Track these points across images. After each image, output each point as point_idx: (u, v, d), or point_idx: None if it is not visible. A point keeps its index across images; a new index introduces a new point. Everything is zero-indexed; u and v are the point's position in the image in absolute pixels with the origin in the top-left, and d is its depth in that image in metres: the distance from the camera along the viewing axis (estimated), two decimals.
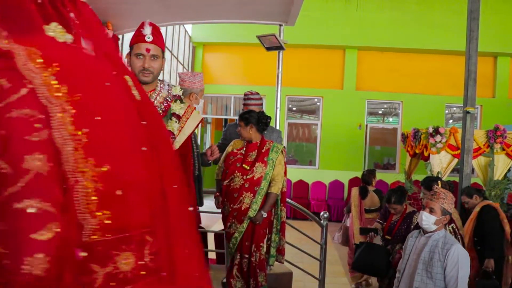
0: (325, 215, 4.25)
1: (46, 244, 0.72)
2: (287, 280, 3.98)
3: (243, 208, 3.11)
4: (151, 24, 2.11)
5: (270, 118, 3.31)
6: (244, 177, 3.13)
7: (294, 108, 10.96)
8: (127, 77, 0.94)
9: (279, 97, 4.67)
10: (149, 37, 2.08)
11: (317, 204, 9.34)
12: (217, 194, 3.32)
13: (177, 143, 2.23)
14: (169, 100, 2.21)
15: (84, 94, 0.81)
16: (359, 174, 6.09)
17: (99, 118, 0.82)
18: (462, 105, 5.04)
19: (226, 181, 3.20)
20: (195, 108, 2.38)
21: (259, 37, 4.48)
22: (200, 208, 3.53)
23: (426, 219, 2.64)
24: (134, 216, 0.84)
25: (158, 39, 2.13)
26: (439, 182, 3.68)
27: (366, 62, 10.28)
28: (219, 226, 4.25)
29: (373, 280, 4.90)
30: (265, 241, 3.26)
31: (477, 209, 3.88)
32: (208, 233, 4.56)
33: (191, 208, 1.06)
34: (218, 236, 4.37)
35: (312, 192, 10.00)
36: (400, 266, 2.85)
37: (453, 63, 9.65)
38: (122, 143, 0.85)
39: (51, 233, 0.73)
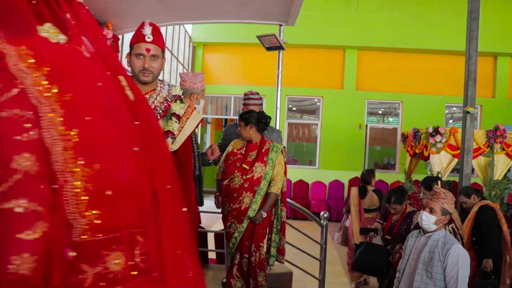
0: (325, 215, 4.26)
1: (32, 244, 0.72)
2: (287, 280, 3.98)
3: (242, 208, 3.11)
4: (151, 24, 2.11)
5: (270, 118, 3.31)
6: (244, 177, 3.13)
7: (294, 108, 10.96)
8: (121, 77, 0.94)
9: (279, 97, 4.67)
10: (149, 37, 2.08)
11: (317, 204, 9.35)
12: (217, 194, 3.32)
13: (177, 143, 2.23)
14: (169, 100, 2.21)
15: (75, 94, 0.82)
16: (359, 174, 6.08)
17: (90, 118, 0.82)
18: (462, 105, 5.04)
19: (226, 181, 3.20)
20: (195, 108, 2.38)
21: (259, 37, 4.48)
22: (200, 208, 3.53)
23: (426, 219, 2.64)
24: (125, 216, 0.84)
25: (158, 39, 2.13)
26: (439, 182, 3.69)
27: (366, 62, 10.28)
28: (219, 226, 4.25)
29: (372, 280, 4.91)
30: (265, 241, 3.26)
31: (475, 209, 3.89)
32: (208, 233, 4.56)
33: (185, 209, 1.05)
34: (218, 236, 4.37)
35: (312, 192, 10.00)
36: (400, 266, 2.85)
37: (453, 63, 9.65)
38: (112, 143, 0.85)
39: (38, 233, 0.73)
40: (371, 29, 9.70)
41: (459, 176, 5.08)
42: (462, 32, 5.30)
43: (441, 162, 5.95)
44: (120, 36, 4.92)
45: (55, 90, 0.80)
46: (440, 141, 5.90)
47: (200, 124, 2.48)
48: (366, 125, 10.46)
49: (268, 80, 8.96)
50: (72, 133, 0.79)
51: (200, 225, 3.80)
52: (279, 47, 4.48)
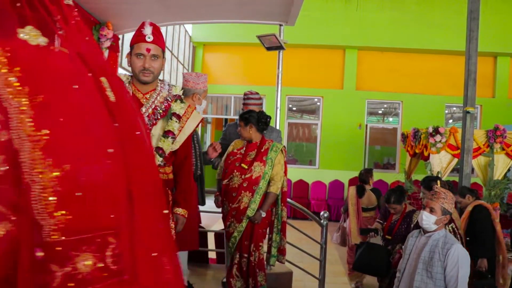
0: (325, 215, 4.26)
1: None
2: (287, 279, 3.98)
3: (241, 208, 3.12)
4: (151, 24, 2.12)
5: (270, 117, 3.32)
6: (243, 177, 3.13)
7: (294, 108, 10.97)
8: (102, 79, 0.94)
9: (279, 97, 4.67)
10: (149, 37, 2.09)
11: (317, 204, 9.35)
12: (217, 193, 3.33)
13: (177, 143, 2.23)
14: (170, 100, 2.21)
15: (47, 95, 0.82)
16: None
17: (62, 119, 0.82)
18: (462, 105, 5.04)
19: (225, 181, 3.21)
20: (195, 108, 2.39)
21: (259, 37, 4.49)
22: (201, 208, 3.54)
23: (427, 219, 2.64)
24: (96, 217, 0.84)
25: (159, 39, 2.13)
26: (438, 182, 3.70)
27: (366, 62, 10.28)
28: (219, 225, 4.25)
29: (372, 280, 4.91)
30: (264, 241, 3.26)
31: (469, 208, 3.89)
32: (208, 233, 4.57)
33: (166, 211, 1.05)
34: (218, 235, 4.38)
35: (312, 192, 10.00)
36: (401, 266, 2.85)
37: (453, 63, 9.65)
38: (84, 145, 0.85)
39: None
40: (371, 29, 9.70)
41: (459, 176, 5.08)
42: (462, 32, 5.30)
43: (441, 162, 5.95)
44: (120, 36, 4.93)
45: (26, 91, 0.80)
46: (440, 141, 5.91)
47: (200, 124, 2.48)
48: (366, 125, 10.47)
49: (268, 80, 8.96)
50: (41, 134, 0.79)
51: (200, 224, 3.81)
52: (279, 47, 4.49)
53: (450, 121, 10.76)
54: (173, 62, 8.85)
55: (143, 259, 0.92)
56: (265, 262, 3.26)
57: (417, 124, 7.51)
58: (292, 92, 10.22)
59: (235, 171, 3.17)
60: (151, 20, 2.16)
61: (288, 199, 3.99)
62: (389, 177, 9.92)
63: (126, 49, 2.44)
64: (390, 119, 10.99)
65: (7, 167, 0.76)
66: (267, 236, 3.35)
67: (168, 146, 2.16)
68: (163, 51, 2.20)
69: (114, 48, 4.59)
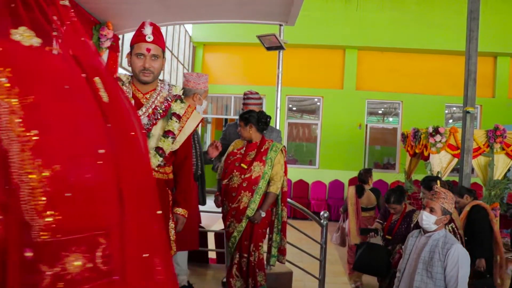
0: (325, 215, 4.26)
1: None
2: (287, 279, 3.98)
3: (241, 207, 3.12)
4: (151, 24, 2.12)
5: (270, 117, 3.32)
6: (242, 176, 3.13)
7: (294, 108, 10.97)
8: (96, 79, 0.94)
9: (279, 97, 4.67)
10: (149, 37, 2.09)
11: (317, 204, 9.35)
12: (217, 193, 3.33)
13: (178, 143, 2.23)
14: (170, 100, 2.21)
15: (38, 96, 0.82)
16: None
17: (53, 120, 0.82)
18: (462, 105, 5.04)
19: (225, 180, 3.21)
20: (195, 108, 2.39)
21: (259, 37, 4.49)
22: (201, 208, 3.54)
23: (427, 219, 2.64)
24: (86, 218, 0.84)
25: (159, 39, 2.13)
26: (438, 182, 3.70)
27: (366, 62, 10.28)
28: (219, 225, 4.25)
29: (370, 280, 4.90)
30: (264, 241, 3.26)
31: (467, 208, 3.89)
32: (209, 233, 4.57)
33: (159, 212, 1.04)
34: (218, 235, 4.38)
35: (312, 191, 10.01)
36: (401, 266, 2.85)
37: (453, 63, 9.65)
38: (74, 145, 0.85)
39: None
40: (371, 29, 9.70)
41: (459, 176, 5.08)
42: (462, 32, 5.30)
43: (441, 162, 5.95)
44: (120, 36, 4.93)
45: (16, 92, 0.80)
46: (440, 141, 5.91)
47: (200, 124, 2.48)
48: (366, 125, 10.47)
49: (268, 80, 8.96)
50: (30, 134, 0.78)
51: (201, 224, 3.81)
52: (279, 47, 4.49)
53: (450, 121, 10.76)
54: (173, 62, 8.85)
55: (133, 259, 0.91)
56: (265, 262, 3.26)
57: (417, 124, 7.51)
58: (292, 92, 10.22)
59: (235, 171, 3.17)
60: (151, 20, 2.17)
61: (288, 199, 3.99)
62: (389, 177, 9.92)
63: (126, 49, 2.44)
64: (390, 119, 10.99)
65: None
66: (267, 236, 3.35)
67: (168, 146, 2.16)
68: (163, 51, 2.20)
69: (114, 48, 4.59)
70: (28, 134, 0.78)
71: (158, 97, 2.20)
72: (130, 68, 2.18)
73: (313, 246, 4.53)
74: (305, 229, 4.39)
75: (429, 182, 3.82)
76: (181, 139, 2.25)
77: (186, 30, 9.84)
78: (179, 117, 2.22)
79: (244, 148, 3.27)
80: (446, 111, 10.48)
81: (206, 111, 10.70)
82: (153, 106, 2.18)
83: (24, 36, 0.87)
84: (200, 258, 4.25)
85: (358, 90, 10.30)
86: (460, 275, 2.50)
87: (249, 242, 3.14)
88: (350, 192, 5.25)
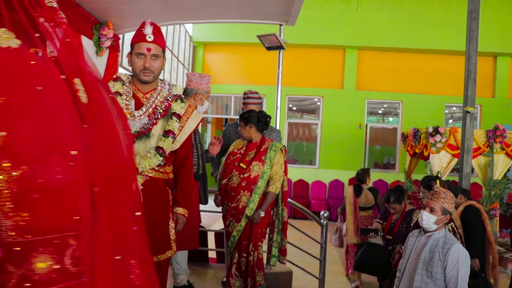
0: (325, 215, 4.26)
1: None
2: (287, 279, 3.99)
3: (240, 207, 3.12)
4: (152, 24, 2.12)
5: (270, 117, 3.32)
6: (241, 176, 3.13)
7: (294, 108, 10.97)
8: (76, 80, 0.94)
9: (279, 96, 4.67)
10: (150, 37, 2.09)
11: (317, 204, 9.36)
12: (217, 192, 3.34)
13: (178, 143, 2.24)
14: (170, 100, 2.22)
15: (8, 98, 0.81)
16: None
17: (21, 121, 0.82)
18: (462, 105, 5.05)
19: (225, 180, 3.22)
20: (195, 107, 2.39)
21: (259, 37, 4.49)
22: (202, 207, 3.55)
23: (427, 219, 2.64)
24: (55, 219, 0.84)
25: (159, 39, 2.14)
26: (438, 181, 3.70)
27: (366, 62, 10.29)
28: (219, 225, 4.26)
29: (370, 279, 4.91)
30: (263, 240, 3.26)
31: (460, 208, 3.89)
32: (209, 232, 4.57)
33: (138, 213, 1.03)
34: (218, 235, 4.38)
35: (312, 191, 10.01)
36: (401, 266, 2.85)
37: (453, 63, 9.66)
38: (44, 147, 0.84)
39: None
40: (371, 29, 9.70)
41: (459, 176, 5.08)
42: (462, 32, 5.30)
43: (441, 162, 5.96)
44: (120, 36, 4.93)
45: None
46: (440, 141, 5.91)
47: (200, 124, 2.49)
48: (366, 125, 10.47)
49: (268, 80, 8.97)
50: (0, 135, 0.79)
51: (201, 224, 3.82)
52: (280, 47, 4.49)
53: (450, 121, 10.76)
54: (173, 62, 8.85)
55: (104, 262, 0.91)
56: (264, 262, 3.26)
57: (417, 124, 7.51)
58: (292, 92, 10.22)
59: (234, 170, 3.17)
60: (151, 19, 2.17)
61: (288, 199, 3.99)
62: (389, 177, 9.92)
63: (126, 48, 2.44)
64: (390, 119, 11.00)
65: None
66: (267, 236, 3.35)
67: (168, 145, 2.16)
68: (164, 51, 2.20)
69: (115, 47, 4.59)
70: None
71: (159, 97, 2.21)
72: (130, 68, 2.18)
73: (313, 245, 4.53)
74: (305, 229, 4.39)
75: (429, 182, 3.82)
76: (181, 138, 2.25)
77: (186, 30, 9.84)
78: (179, 116, 2.22)
79: (244, 148, 3.27)
80: (446, 111, 10.49)
81: (206, 111, 10.70)
82: (154, 106, 2.18)
83: (2, 37, 0.87)
84: (200, 257, 4.26)
85: (358, 90, 10.30)
86: (460, 275, 2.50)
87: (248, 241, 3.14)
88: (348, 192, 5.27)
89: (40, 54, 0.92)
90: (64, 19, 0.97)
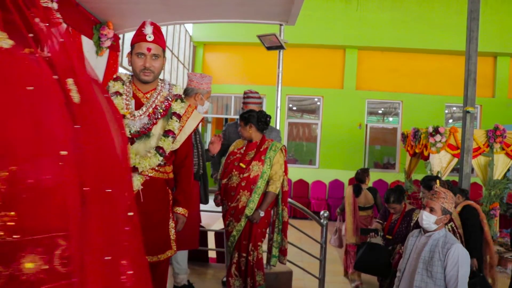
0: (325, 214, 4.26)
1: None
2: (287, 279, 3.99)
3: (240, 207, 3.12)
4: (152, 24, 2.12)
5: (270, 117, 3.32)
6: (241, 176, 3.13)
7: (294, 108, 10.97)
8: (69, 80, 0.93)
9: (279, 96, 4.67)
10: (150, 37, 2.09)
11: (317, 203, 9.36)
12: (217, 192, 3.34)
13: (178, 142, 2.24)
14: (170, 100, 2.22)
15: None
16: None
17: (12, 121, 0.82)
18: (462, 105, 5.05)
19: (224, 180, 3.22)
20: (196, 107, 2.39)
21: (259, 37, 4.49)
22: (202, 207, 3.55)
23: (427, 219, 2.64)
24: (44, 219, 0.83)
25: (159, 39, 2.14)
26: (438, 181, 3.70)
27: (366, 62, 10.29)
28: (219, 225, 4.26)
29: (370, 279, 4.91)
30: (263, 240, 3.26)
31: (458, 208, 3.89)
32: (209, 232, 4.57)
33: (130, 213, 1.03)
34: (218, 234, 4.39)
35: (312, 191, 10.01)
36: (401, 266, 2.85)
37: (453, 63, 9.66)
38: (33, 147, 0.84)
39: None
40: (371, 29, 9.71)
41: (459, 176, 5.09)
42: (462, 32, 5.30)
43: (441, 162, 5.96)
44: (120, 36, 4.93)
45: None
46: (440, 141, 5.91)
47: (200, 124, 2.49)
48: (366, 125, 10.47)
49: (268, 80, 8.97)
50: None
51: (201, 224, 3.82)
52: (280, 47, 4.49)
53: (450, 121, 10.76)
54: (173, 62, 8.85)
55: (94, 262, 0.90)
56: (264, 262, 3.26)
57: (417, 124, 7.52)
58: (292, 92, 10.23)
59: (234, 170, 3.17)
60: (151, 19, 2.17)
61: (288, 199, 3.99)
62: (389, 176, 9.93)
63: (126, 48, 2.44)
64: (390, 119, 11.00)
65: None
66: (267, 236, 3.35)
67: (169, 145, 2.16)
68: (164, 51, 2.20)
69: (115, 47, 4.59)
70: None
71: (159, 97, 2.21)
72: (130, 68, 2.18)
73: (313, 245, 4.53)
74: (305, 229, 4.39)
75: (429, 181, 3.82)
76: (181, 138, 2.25)
77: (186, 30, 9.84)
78: (179, 116, 2.22)
79: (244, 148, 3.27)
80: (446, 111, 10.49)
81: (206, 111, 10.69)
82: (154, 106, 2.18)
83: None
84: (200, 257, 4.26)
85: (358, 90, 10.30)
86: (460, 275, 2.50)
87: (247, 241, 3.14)
88: (347, 191, 5.27)
89: (33, 54, 0.92)
90: (60, 19, 0.97)
